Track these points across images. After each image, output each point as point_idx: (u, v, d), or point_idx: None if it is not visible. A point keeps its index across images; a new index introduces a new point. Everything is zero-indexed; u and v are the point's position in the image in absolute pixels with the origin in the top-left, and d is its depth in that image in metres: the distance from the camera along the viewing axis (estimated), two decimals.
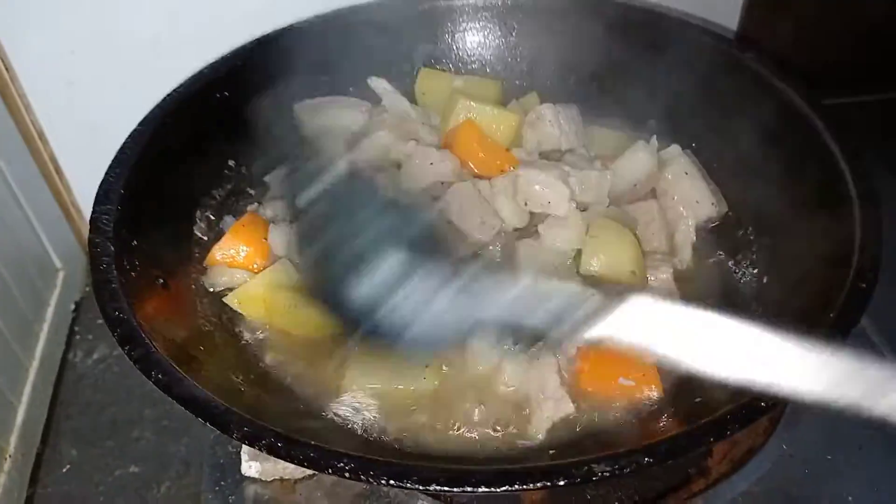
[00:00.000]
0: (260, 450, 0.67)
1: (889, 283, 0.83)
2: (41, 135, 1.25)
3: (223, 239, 1.06)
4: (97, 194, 0.92)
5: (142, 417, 1.10)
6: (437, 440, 0.87)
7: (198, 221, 1.08)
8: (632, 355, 0.93)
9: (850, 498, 0.94)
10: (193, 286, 1.02)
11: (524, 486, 0.64)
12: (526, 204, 1.05)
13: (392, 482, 0.65)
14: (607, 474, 0.64)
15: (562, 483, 0.64)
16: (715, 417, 0.70)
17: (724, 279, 1.06)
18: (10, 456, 1.00)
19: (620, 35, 1.20)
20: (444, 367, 0.93)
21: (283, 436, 0.68)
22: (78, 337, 1.23)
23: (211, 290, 1.03)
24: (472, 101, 1.14)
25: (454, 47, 1.31)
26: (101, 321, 0.91)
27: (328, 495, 0.93)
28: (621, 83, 1.23)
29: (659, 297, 0.69)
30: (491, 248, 1.04)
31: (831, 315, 0.78)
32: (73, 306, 1.28)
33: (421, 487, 0.64)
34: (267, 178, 1.19)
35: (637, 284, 0.99)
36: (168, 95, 1.06)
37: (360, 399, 0.91)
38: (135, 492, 1.01)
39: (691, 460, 0.94)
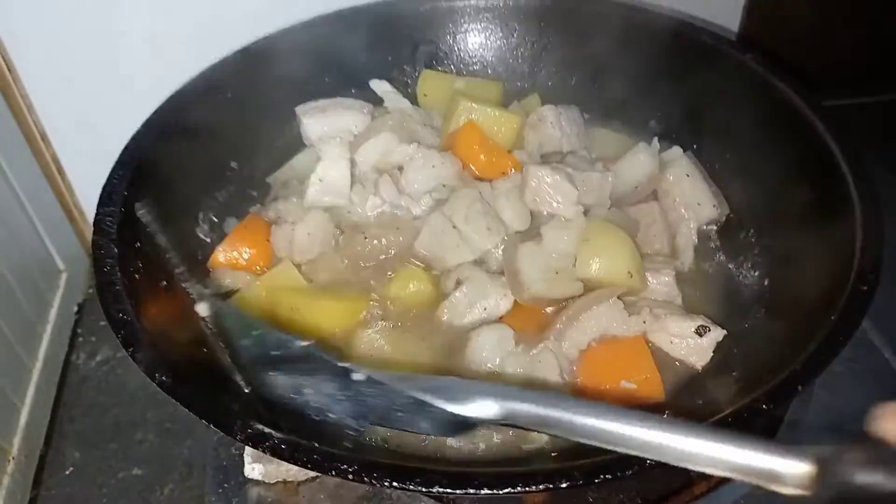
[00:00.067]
0: (263, 451, 0.67)
1: (890, 284, 0.82)
2: (43, 135, 1.25)
3: (226, 241, 1.07)
4: (100, 196, 0.92)
5: (145, 419, 1.10)
6: (437, 443, 0.87)
7: (201, 223, 1.08)
8: (633, 358, 0.93)
9: None
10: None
11: (527, 489, 0.64)
12: (536, 201, 1.04)
13: (395, 484, 0.65)
14: (609, 477, 0.64)
15: (564, 485, 0.64)
16: (716, 420, 0.70)
17: (725, 281, 1.06)
18: (13, 458, 1.01)
19: (621, 37, 1.20)
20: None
21: (286, 438, 0.68)
22: (81, 339, 1.23)
23: (214, 292, 1.03)
24: (474, 103, 1.14)
25: (456, 49, 1.31)
26: (104, 323, 0.92)
27: (331, 497, 0.93)
28: (622, 85, 1.24)
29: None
30: (493, 251, 1.04)
31: (833, 317, 0.78)
32: (76, 308, 1.28)
33: (424, 489, 0.64)
34: (269, 180, 1.19)
35: (635, 286, 0.99)
36: (170, 97, 1.07)
37: None
38: (138, 494, 1.01)
39: None
